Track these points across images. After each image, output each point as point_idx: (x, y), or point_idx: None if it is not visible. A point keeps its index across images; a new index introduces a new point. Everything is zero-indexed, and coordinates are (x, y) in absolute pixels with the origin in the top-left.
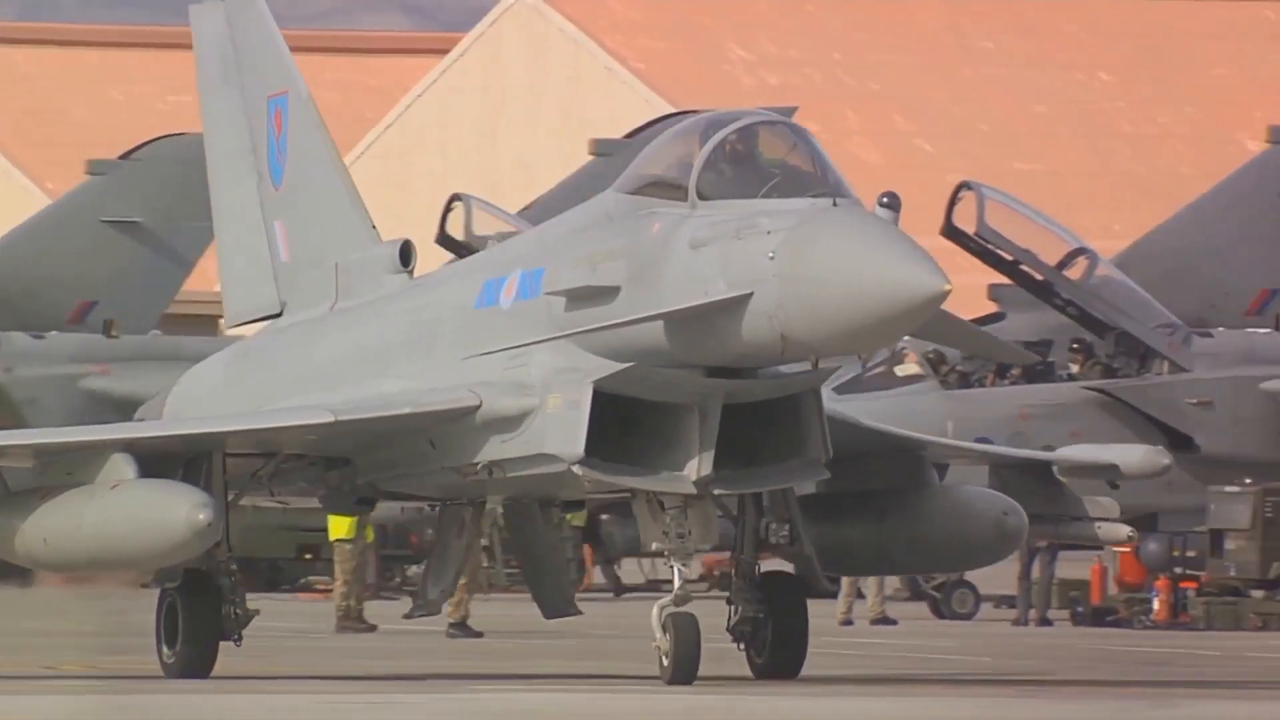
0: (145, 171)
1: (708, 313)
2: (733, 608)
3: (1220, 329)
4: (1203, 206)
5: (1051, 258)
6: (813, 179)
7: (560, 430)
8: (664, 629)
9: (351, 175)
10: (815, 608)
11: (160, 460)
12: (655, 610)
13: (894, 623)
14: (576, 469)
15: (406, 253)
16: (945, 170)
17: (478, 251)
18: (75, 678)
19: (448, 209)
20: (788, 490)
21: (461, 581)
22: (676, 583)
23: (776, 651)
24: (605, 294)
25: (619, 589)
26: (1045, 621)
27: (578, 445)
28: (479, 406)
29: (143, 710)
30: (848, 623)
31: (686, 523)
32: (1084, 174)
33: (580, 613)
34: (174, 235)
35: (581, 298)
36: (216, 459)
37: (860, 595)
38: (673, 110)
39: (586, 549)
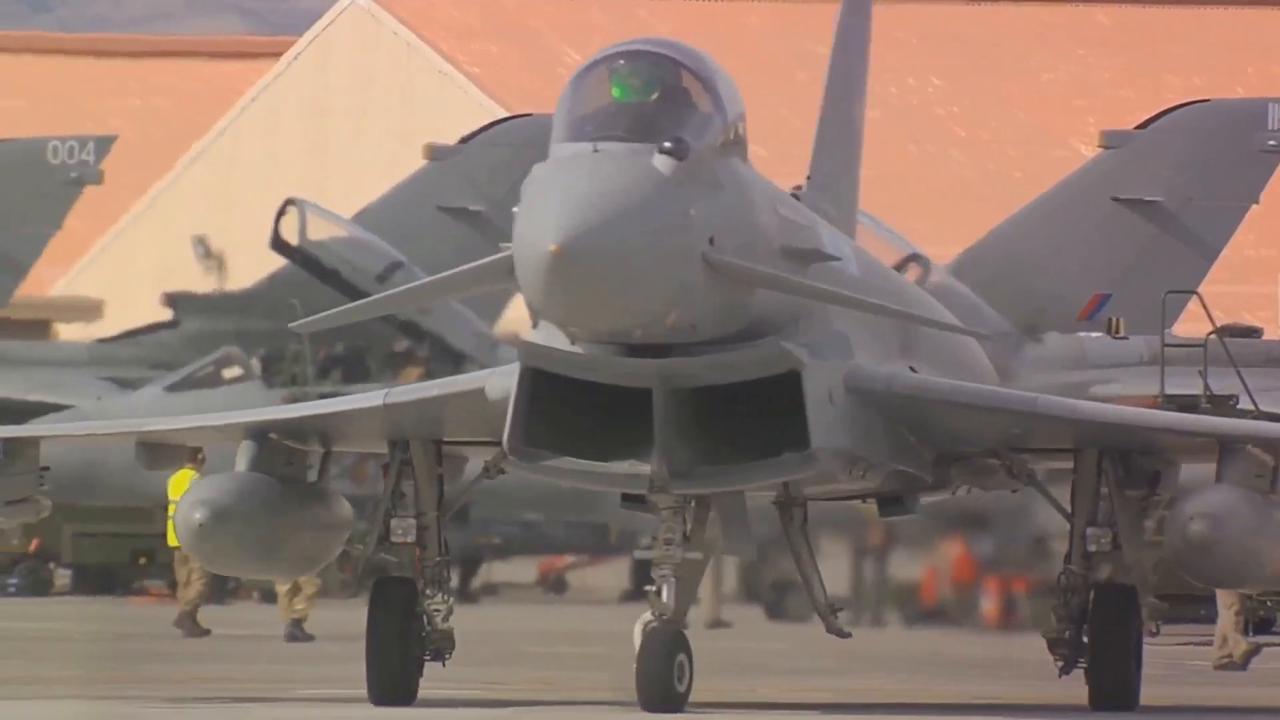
0: None
1: (484, 275)
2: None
3: (1053, 333)
4: (1035, 211)
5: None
6: (638, 118)
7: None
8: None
9: (183, 182)
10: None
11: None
12: (636, 626)
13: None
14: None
15: None
16: (774, 176)
17: (311, 255)
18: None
19: (281, 213)
20: (1112, 491)
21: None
22: (664, 595)
23: (1101, 676)
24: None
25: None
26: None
27: (509, 432)
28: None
29: None
30: None
31: (679, 527)
32: (916, 179)
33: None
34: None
35: None
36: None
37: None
38: (507, 114)
39: None
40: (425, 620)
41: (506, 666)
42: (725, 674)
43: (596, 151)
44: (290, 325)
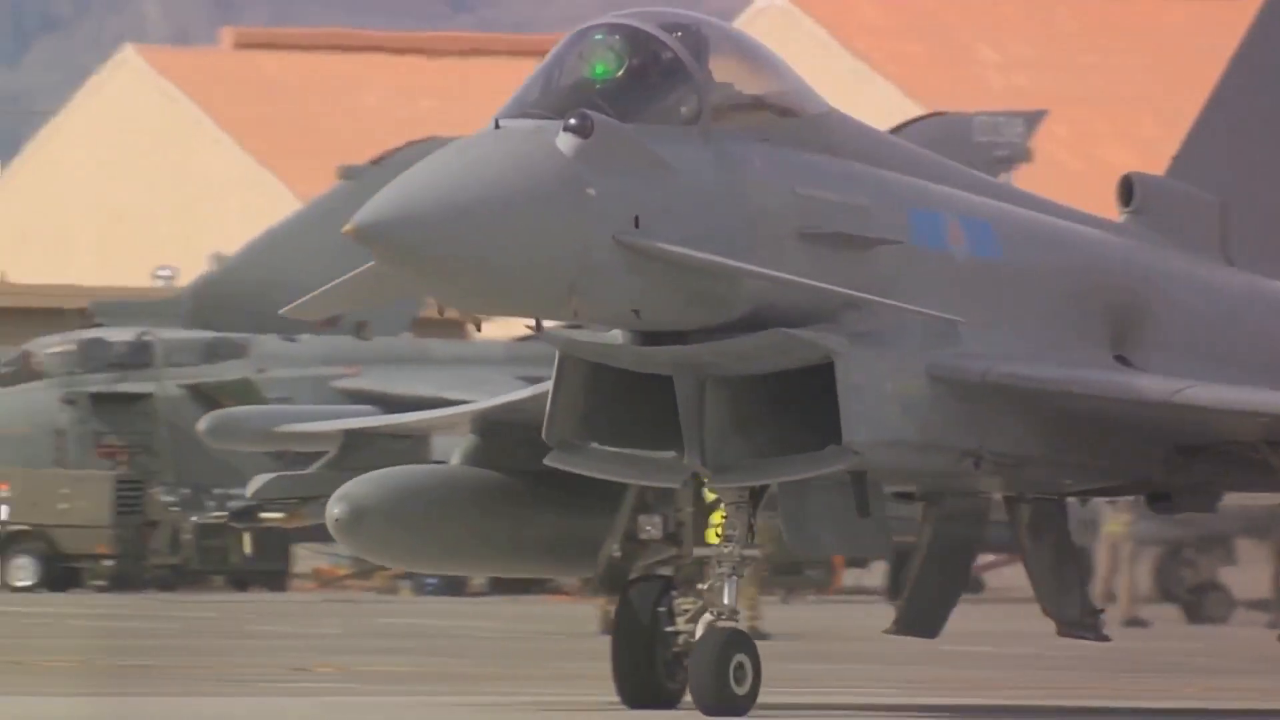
0: (395, 176)
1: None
2: None
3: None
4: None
5: None
6: (567, 95)
7: None
8: None
9: None
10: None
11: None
12: (699, 627)
13: (1146, 624)
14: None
15: None
16: None
17: None
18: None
19: None
20: None
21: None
22: (724, 594)
23: None
24: None
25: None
26: None
27: (546, 423)
28: None
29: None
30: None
31: (741, 524)
32: None
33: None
34: None
35: None
36: None
37: (1112, 598)
38: (924, 112)
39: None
40: (673, 621)
41: (930, 667)
42: (1145, 674)
43: (498, 129)
44: (281, 311)
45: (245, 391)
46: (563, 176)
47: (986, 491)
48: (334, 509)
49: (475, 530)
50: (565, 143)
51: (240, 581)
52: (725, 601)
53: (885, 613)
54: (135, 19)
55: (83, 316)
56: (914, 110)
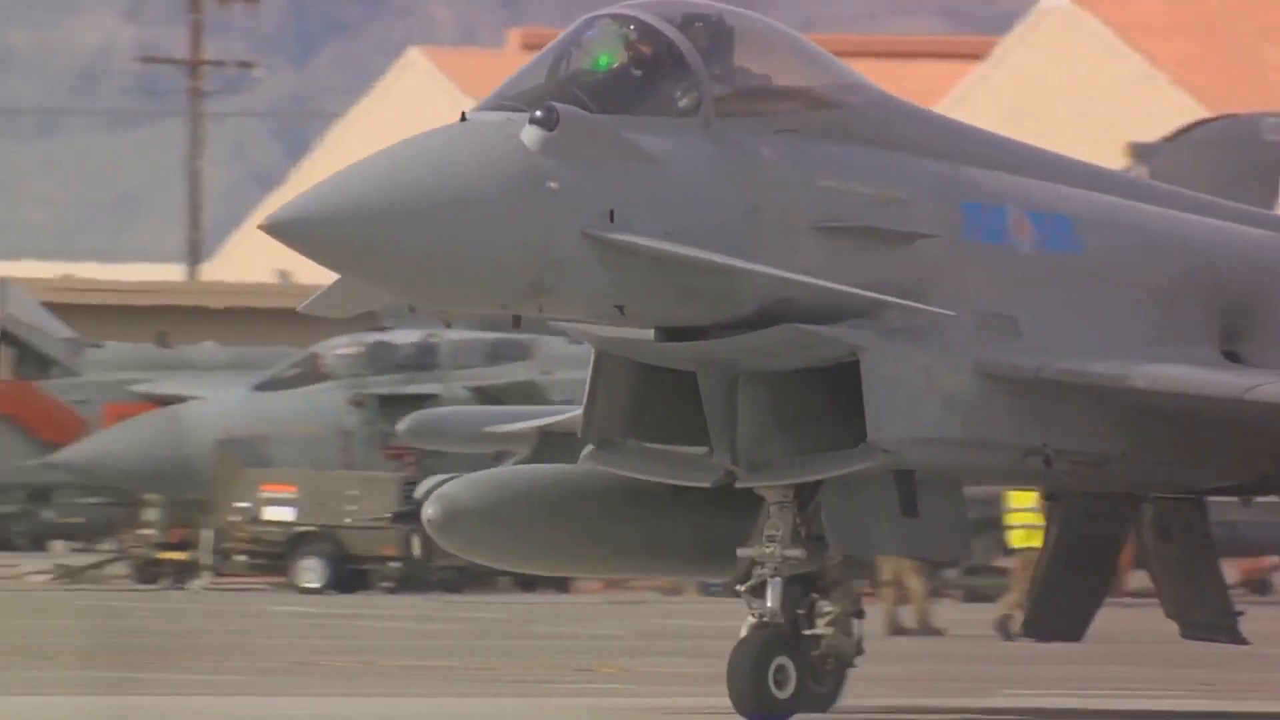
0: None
1: None
2: None
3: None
4: None
5: None
6: (546, 88)
7: None
8: None
9: None
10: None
11: None
12: (744, 629)
13: None
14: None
15: None
16: None
17: None
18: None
19: None
20: None
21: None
22: (768, 596)
23: None
24: None
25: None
26: None
27: (582, 422)
28: None
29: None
30: None
31: (785, 524)
32: None
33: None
34: None
35: None
36: None
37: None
38: (1209, 115)
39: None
40: (813, 623)
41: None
42: None
43: (464, 121)
44: (300, 308)
45: (529, 393)
46: (522, 170)
47: (1125, 489)
48: (428, 509)
49: (588, 531)
50: (530, 135)
51: (527, 582)
52: (768, 604)
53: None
54: (423, 21)
55: (370, 319)
56: (1198, 110)
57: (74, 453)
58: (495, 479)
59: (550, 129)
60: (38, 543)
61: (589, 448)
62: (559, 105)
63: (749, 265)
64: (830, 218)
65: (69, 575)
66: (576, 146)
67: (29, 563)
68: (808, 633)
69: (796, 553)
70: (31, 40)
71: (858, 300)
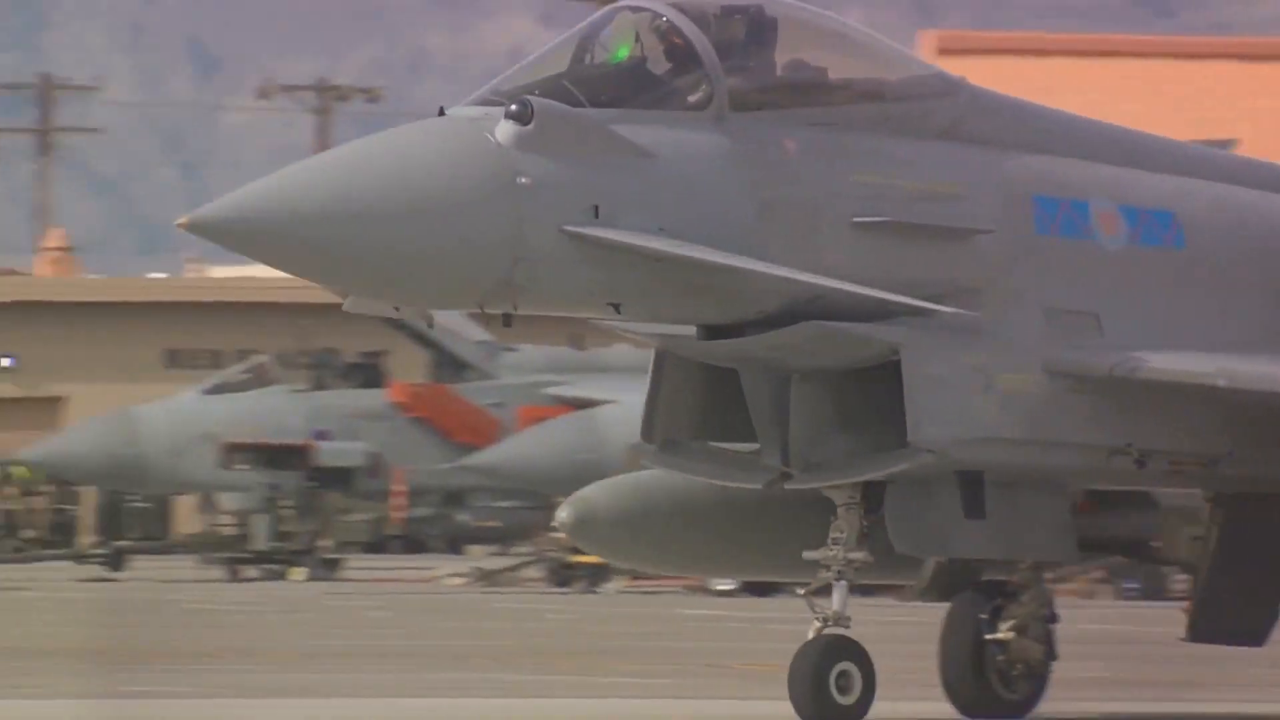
0: None
1: None
2: None
3: None
4: None
5: None
6: (535, 84)
7: None
8: None
9: None
10: None
11: None
12: (810, 632)
13: None
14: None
15: None
16: None
17: None
18: None
19: None
20: None
21: None
22: (834, 599)
23: None
24: None
25: None
26: None
27: (642, 422)
28: None
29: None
30: None
31: (851, 526)
32: None
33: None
34: None
35: None
36: None
37: None
38: None
39: None
40: (995, 629)
41: None
42: None
43: (442, 115)
44: (344, 306)
45: None
46: (490, 165)
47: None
48: (562, 512)
49: (725, 534)
50: (504, 130)
51: None
52: (834, 607)
53: None
54: None
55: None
56: None
57: (489, 456)
58: (632, 483)
59: (525, 123)
60: (453, 545)
61: (652, 448)
62: (534, 99)
63: (746, 264)
64: (867, 213)
65: (485, 578)
66: (555, 141)
67: (445, 565)
68: (989, 637)
69: (860, 555)
70: (441, 42)
71: (867, 300)
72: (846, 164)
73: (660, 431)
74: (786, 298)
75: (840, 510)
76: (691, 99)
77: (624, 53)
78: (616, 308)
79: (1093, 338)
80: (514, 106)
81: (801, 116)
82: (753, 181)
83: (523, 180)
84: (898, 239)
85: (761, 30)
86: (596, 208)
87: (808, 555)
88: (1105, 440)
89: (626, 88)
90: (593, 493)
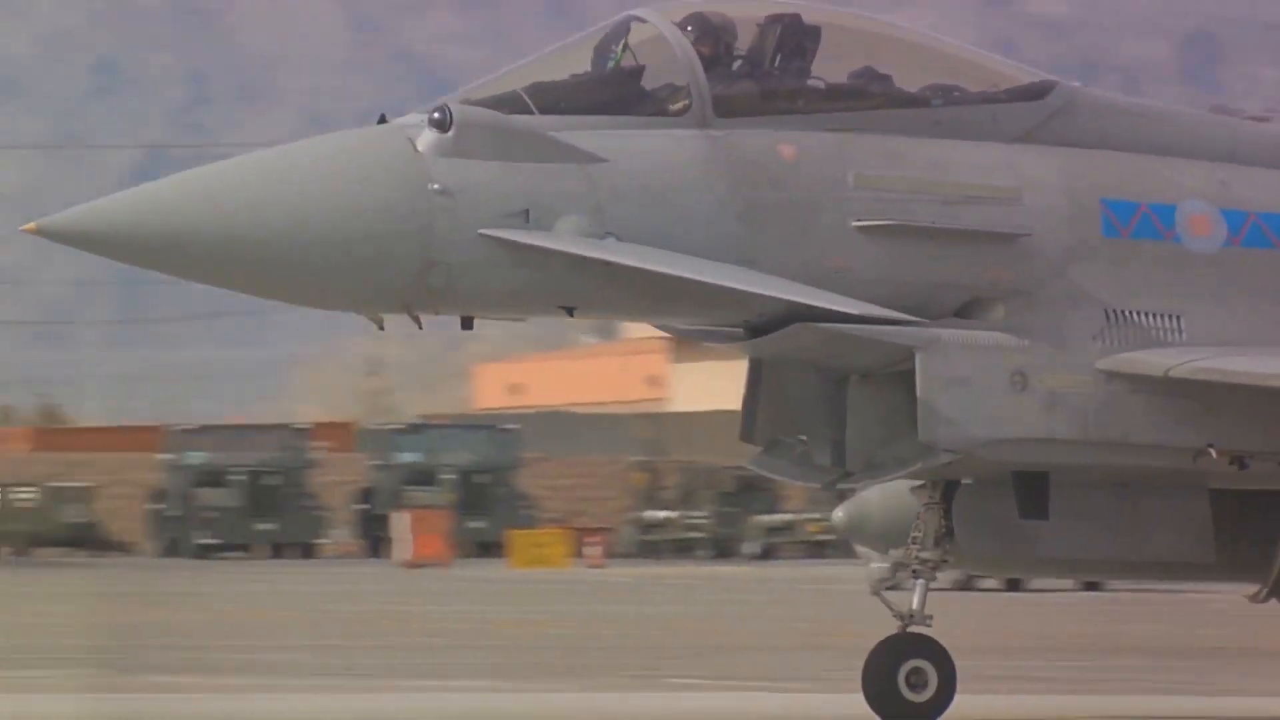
0: None
1: None
2: None
3: None
4: None
5: None
6: (490, 96)
7: None
8: None
9: None
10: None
11: None
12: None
13: None
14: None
15: None
16: None
17: None
18: None
19: None
20: None
21: None
22: (913, 598)
23: None
24: None
25: None
26: None
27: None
28: None
29: None
30: None
31: (930, 526)
32: None
33: None
34: None
35: None
36: None
37: None
38: None
39: None
40: None
41: None
42: None
43: (382, 123)
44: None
45: None
46: (399, 172)
47: None
48: (837, 513)
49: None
50: (425, 138)
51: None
52: (914, 605)
53: None
54: None
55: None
56: None
57: None
58: (905, 487)
59: (445, 130)
60: None
61: (759, 450)
62: (454, 106)
63: (689, 272)
64: (875, 216)
65: None
66: (479, 147)
67: None
68: None
69: (932, 554)
70: None
71: (822, 311)
72: (856, 169)
73: (760, 433)
74: (772, 304)
75: (922, 510)
76: (673, 107)
77: (617, 61)
78: (570, 311)
79: (1171, 339)
80: (435, 114)
81: (805, 122)
82: (732, 186)
83: (434, 186)
84: (916, 242)
85: (781, 39)
86: (527, 212)
87: (892, 554)
88: (1179, 441)
89: (596, 96)
90: (868, 495)
